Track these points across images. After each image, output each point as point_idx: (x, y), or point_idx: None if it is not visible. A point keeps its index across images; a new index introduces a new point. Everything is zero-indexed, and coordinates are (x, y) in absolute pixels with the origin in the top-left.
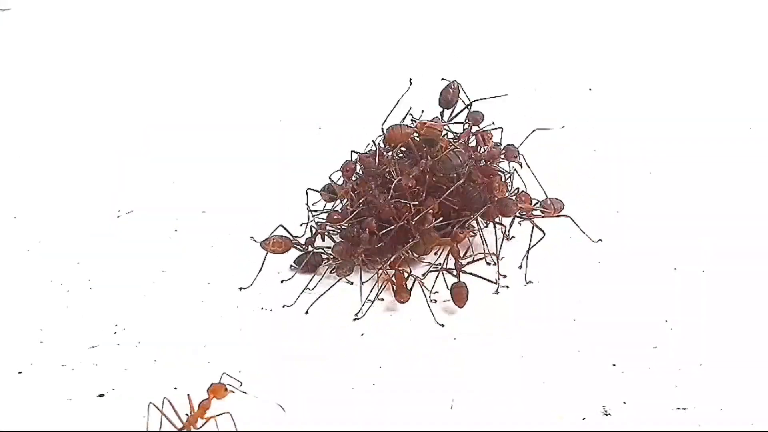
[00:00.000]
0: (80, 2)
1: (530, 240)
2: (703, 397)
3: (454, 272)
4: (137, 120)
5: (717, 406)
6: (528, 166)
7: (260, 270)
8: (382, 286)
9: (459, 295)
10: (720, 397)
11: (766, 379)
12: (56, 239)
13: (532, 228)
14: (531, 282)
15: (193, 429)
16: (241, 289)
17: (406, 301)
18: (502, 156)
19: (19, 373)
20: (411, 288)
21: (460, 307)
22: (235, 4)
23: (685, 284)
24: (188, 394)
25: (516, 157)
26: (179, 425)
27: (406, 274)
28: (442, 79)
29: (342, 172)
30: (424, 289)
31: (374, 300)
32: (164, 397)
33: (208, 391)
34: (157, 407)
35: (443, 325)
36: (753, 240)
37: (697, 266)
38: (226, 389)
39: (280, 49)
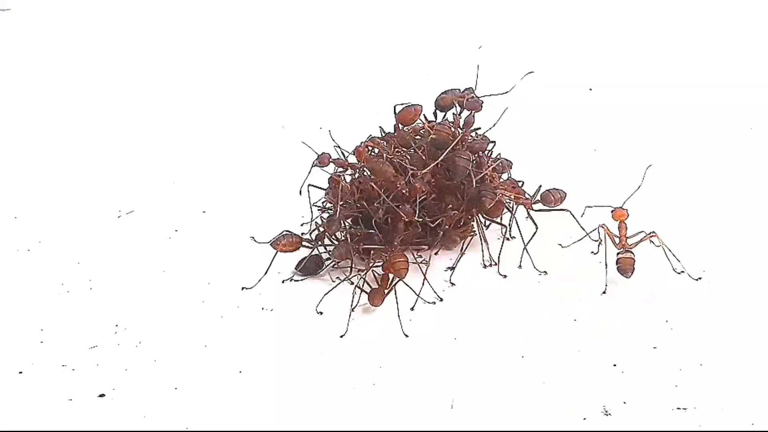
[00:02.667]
0: (80, 2)
1: (502, 230)
2: (703, 397)
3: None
4: (137, 120)
5: (717, 406)
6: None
7: (266, 271)
8: (360, 289)
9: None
10: (720, 397)
11: (766, 379)
12: (56, 239)
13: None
14: (529, 280)
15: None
16: (243, 288)
17: (380, 304)
18: (467, 109)
19: (20, 373)
20: (388, 292)
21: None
22: (236, 6)
23: (685, 284)
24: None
25: (478, 106)
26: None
27: (390, 276)
28: (445, 91)
29: (319, 163)
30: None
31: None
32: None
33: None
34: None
35: (407, 335)
36: (753, 240)
37: (697, 266)
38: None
39: (280, 51)
